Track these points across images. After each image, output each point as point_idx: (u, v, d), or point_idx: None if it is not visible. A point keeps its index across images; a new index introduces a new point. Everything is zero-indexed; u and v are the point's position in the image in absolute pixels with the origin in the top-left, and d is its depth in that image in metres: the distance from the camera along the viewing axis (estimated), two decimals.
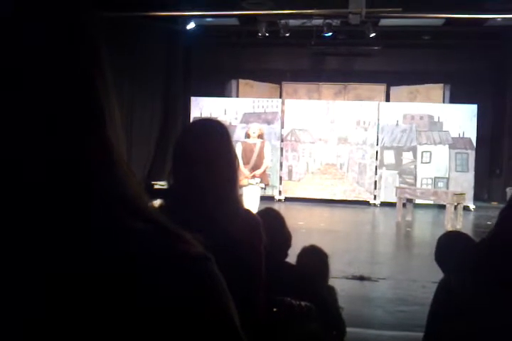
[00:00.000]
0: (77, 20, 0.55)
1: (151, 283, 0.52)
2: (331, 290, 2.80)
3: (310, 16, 10.38)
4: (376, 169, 11.83)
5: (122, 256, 0.52)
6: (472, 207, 11.08)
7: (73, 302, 0.49)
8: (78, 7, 0.56)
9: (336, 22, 10.69)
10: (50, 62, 0.52)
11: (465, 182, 11.45)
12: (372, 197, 11.76)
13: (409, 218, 9.47)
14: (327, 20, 10.55)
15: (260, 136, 7.77)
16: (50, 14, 0.53)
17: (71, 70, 0.54)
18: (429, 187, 11.40)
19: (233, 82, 12.98)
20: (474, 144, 11.52)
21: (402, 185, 11.03)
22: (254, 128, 7.90)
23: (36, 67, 0.52)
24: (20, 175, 0.51)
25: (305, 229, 7.88)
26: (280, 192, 11.96)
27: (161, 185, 8.11)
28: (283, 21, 10.87)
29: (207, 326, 0.54)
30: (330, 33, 10.83)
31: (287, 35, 11.10)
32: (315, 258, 2.78)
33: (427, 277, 5.03)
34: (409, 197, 9.58)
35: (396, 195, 9.90)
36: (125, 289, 0.51)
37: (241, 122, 11.82)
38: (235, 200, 1.64)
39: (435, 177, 11.61)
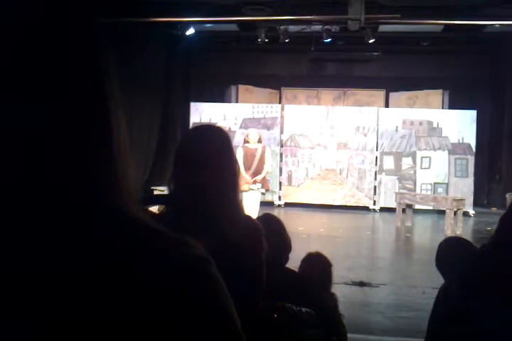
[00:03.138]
0: (85, 26, 0.56)
1: (151, 284, 0.52)
2: (332, 296, 2.80)
3: (309, 22, 10.42)
4: (376, 174, 11.83)
5: (123, 258, 0.53)
6: (472, 212, 11.07)
7: (69, 298, 0.50)
8: (85, 13, 0.56)
9: (335, 28, 10.72)
10: (57, 66, 0.53)
11: (464, 187, 11.46)
12: (372, 202, 11.76)
13: (408, 224, 9.46)
14: (326, 27, 10.58)
15: (259, 141, 7.76)
16: (59, 20, 0.54)
17: (79, 73, 0.54)
18: (429, 192, 11.40)
19: (233, 88, 13.00)
20: (474, 150, 11.53)
21: (402, 191, 11.02)
22: (253, 134, 7.84)
23: (44, 70, 0.52)
24: (29, 179, 0.52)
25: (305, 234, 7.87)
26: (280, 198, 11.96)
27: (160, 190, 8.11)
28: (282, 27, 10.90)
29: (208, 326, 0.55)
30: (329, 39, 10.87)
31: (287, 41, 11.13)
32: (318, 265, 2.77)
33: (427, 283, 5.02)
34: (408, 202, 9.57)
35: (396, 200, 9.91)
36: (125, 289, 0.51)
37: (240, 127, 11.82)
38: (236, 205, 1.64)
39: (435, 183, 11.61)
